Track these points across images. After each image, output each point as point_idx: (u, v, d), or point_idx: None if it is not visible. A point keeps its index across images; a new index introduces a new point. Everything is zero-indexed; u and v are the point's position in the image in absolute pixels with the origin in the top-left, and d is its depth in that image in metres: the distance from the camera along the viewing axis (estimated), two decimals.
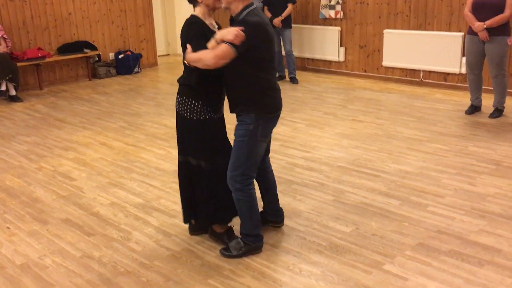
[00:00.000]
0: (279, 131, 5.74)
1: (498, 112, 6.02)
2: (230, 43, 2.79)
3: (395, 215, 3.71)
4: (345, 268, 3.08)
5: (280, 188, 4.18)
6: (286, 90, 7.71)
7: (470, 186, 4.17)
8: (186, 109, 3.06)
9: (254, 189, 3.16)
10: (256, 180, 3.38)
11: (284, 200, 3.98)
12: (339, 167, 4.65)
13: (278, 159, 4.89)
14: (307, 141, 5.42)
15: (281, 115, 6.38)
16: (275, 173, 4.53)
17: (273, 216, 3.53)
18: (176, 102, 3.11)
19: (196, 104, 3.05)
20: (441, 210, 3.77)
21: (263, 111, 3.00)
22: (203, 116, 3.07)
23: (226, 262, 3.17)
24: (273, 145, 5.29)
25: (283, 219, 3.57)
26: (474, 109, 6.22)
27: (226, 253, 3.23)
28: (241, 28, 2.80)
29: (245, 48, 2.81)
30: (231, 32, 2.78)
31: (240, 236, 3.26)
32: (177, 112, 3.13)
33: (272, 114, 3.06)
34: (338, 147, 5.20)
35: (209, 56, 2.82)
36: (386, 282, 2.93)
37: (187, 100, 3.06)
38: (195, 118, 3.07)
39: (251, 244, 3.23)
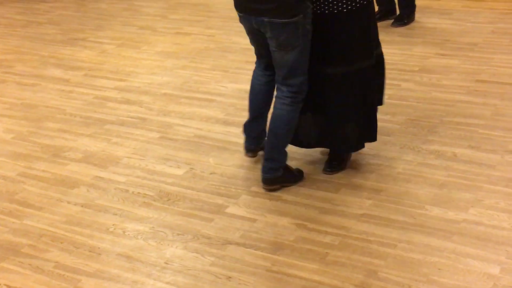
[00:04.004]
0: (81, 57, 5.59)
1: None
2: None
3: (237, 146, 3.89)
4: (180, 219, 3.20)
5: (89, 131, 4.14)
6: (86, 1, 7.46)
7: None
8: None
9: None
10: None
11: (96, 146, 3.96)
12: (164, 95, 4.70)
13: (82, 94, 4.80)
14: (119, 66, 5.36)
15: (83, 35, 6.22)
16: (77, 111, 4.52)
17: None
18: None
19: None
20: None
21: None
22: None
23: (24, 236, 3.12)
24: (75, 76, 5.17)
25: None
26: None
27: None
28: None
29: None
30: None
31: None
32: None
33: None
34: (161, 69, 5.22)
35: None
36: (231, 227, 3.11)
37: None
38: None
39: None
